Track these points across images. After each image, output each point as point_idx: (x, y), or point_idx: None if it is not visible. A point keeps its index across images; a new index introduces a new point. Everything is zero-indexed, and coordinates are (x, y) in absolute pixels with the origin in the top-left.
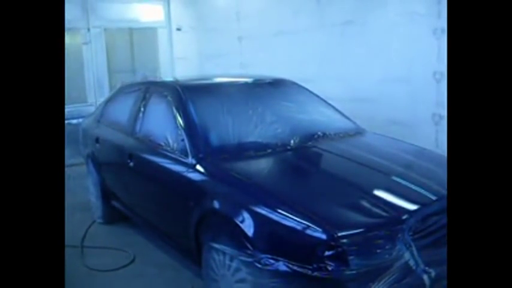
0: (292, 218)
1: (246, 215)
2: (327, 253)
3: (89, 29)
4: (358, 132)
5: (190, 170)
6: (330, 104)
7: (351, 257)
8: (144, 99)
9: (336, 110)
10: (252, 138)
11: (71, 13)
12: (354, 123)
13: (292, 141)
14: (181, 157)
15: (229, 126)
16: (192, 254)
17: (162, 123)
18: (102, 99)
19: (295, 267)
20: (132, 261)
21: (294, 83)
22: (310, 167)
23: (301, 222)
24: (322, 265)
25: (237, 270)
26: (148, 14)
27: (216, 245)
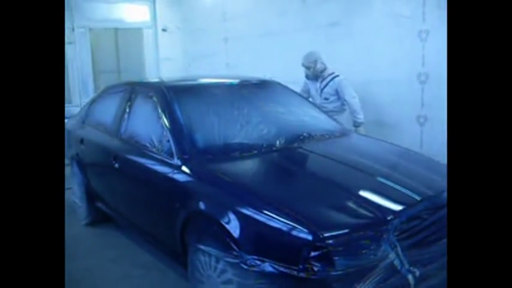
0: (278, 219)
1: (231, 216)
2: (312, 254)
3: (73, 29)
4: (344, 133)
5: (176, 171)
6: (315, 105)
7: (337, 258)
8: (130, 100)
9: (321, 111)
10: (237, 139)
11: None
12: (339, 124)
13: (277, 142)
14: (167, 158)
15: (214, 127)
16: (178, 256)
17: (147, 124)
18: (87, 100)
19: (281, 268)
20: None
21: (279, 84)
22: (295, 168)
23: (287, 223)
24: (308, 266)
25: (223, 271)
26: (134, 14)
27: (201, 247)
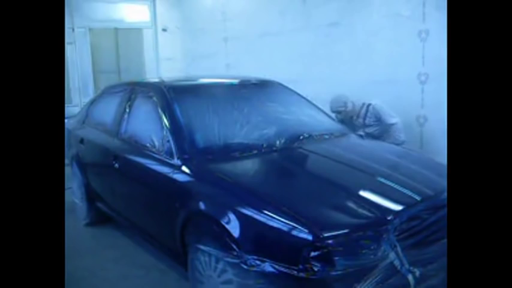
0: (278, 219)
1: (231, 216)
2: (312, 254)
3: (73, 29)
4: (344, 133)
5: (176, 171)
6: (315, 105)
7: (337, 258)
8: (130, 100)
9: (322, 111)
10: (237, 139)
11: None
12: (340, 124)
13: (277, 142)
14: (167, 158)
15: (215, 127)
16: (178, 256)
17: (147, 124)
18: (87, 100)
19: (281, 268)
20: None
21: (279, 84)
22: (295, 168)
23: (287, 223)
24: (308, 266)
25: (223, 271)
26: (134, 14)
27: (201, 247)
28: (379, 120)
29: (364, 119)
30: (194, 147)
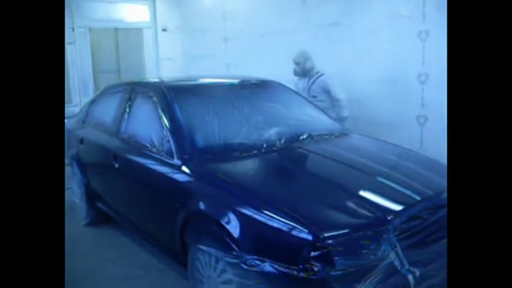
0: (278, 219)
1: (231, 216)
2: (312, 254)
3: (73, 29)
4: (343, 133)
5: (176, 171)
6: (315, 105)
7: (337, 258)
8: (129, 100)
9: (322, 111)
10: (237, 139)
11: None
12: (339, 124)
13: (277, 142)
14: (167, 158)
15: (215, 127)
16: (178, 255)
17: (147, 124)
18: (87, 100)
19: (281, 268)
20: None
21: (279, 84)
22: (295, 168)
23: (286, 223)
24: (308, 266)
25: (223, 271)
26: (134, 14)
27: (201, 247)
28: (327, 93)
29: (312, 84)
30: (194, 147)
